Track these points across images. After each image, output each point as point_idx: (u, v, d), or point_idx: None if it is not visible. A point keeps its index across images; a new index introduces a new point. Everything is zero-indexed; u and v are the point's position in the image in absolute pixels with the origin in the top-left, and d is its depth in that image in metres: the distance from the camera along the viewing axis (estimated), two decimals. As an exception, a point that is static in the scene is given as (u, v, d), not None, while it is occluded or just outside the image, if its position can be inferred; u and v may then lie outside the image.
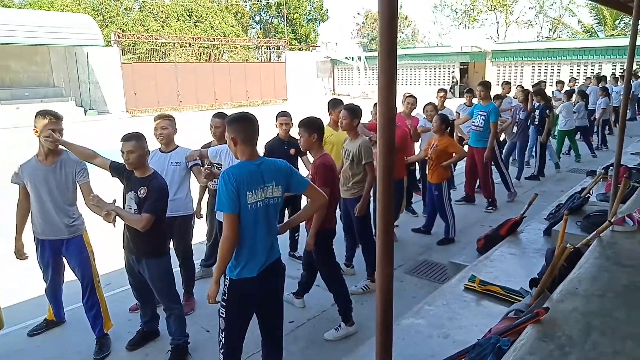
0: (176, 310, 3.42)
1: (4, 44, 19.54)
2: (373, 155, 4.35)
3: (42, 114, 3.38)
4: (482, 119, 6.63)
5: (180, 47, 28.18)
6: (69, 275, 3.71)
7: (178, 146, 4.08)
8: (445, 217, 5.53)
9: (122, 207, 3.27)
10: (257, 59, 32.86)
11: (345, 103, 4.80)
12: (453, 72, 30.68)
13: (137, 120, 20.39)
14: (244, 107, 25.38)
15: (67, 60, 22.49)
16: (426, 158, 5.67)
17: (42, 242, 3.51)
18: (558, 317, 2.00)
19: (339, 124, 4.41)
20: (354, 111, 4.26)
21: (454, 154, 5.51)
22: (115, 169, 3.39)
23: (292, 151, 4.75)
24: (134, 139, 3.20)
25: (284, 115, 4.83)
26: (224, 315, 2.66)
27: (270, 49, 31.67)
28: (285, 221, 3.17)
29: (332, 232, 3.76)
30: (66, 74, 22.54)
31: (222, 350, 2.69)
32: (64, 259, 3.60)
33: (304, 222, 3.67)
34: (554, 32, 40.13)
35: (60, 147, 3.46)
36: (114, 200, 3.22)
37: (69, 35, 20.43)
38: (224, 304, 2.65)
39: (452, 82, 29.95)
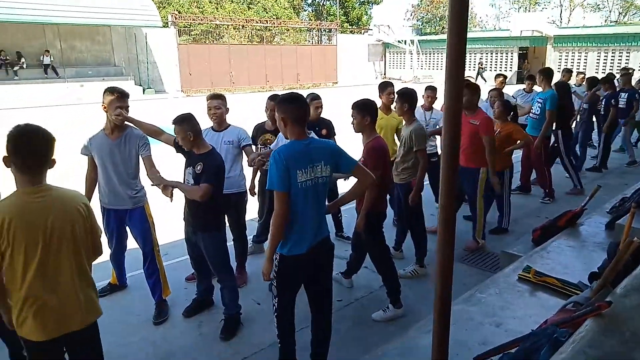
0: (229, 282, 3.56)
1: (70, 25, 20.55)
2: (426, 142, 4.30)
3: (109, 90, 3.54)
4: (539, 107, 6.37)
5: (234, 29, 28.60)
6: (131, 243, 3.93)
7: (230, 125, 4.16)
8: (502, 206, 5.38)
9: (182, 182, 3.42)
10: (309, 41, 32.82)
11: (396, 87, 4.74)
12: (480, 58, 29.38)
13: (192, 100, 20.98)
14: (295, 89, 25.50)
15: (127, 41, 23.39)
16: None
17: (108, 211, 3.72)
18: (621, 312, 1.93)
19: (391, 109, 4.37)
20: (405, 95, 4.19)
21: (518, 141, 5.30)
22: (179, 145, 3.53)
23: (323, 132, 4.81)
24: (183, 123, 3.28)
25: (316, 97, 4.86)
26: (275, 292, 2.81)
27: (321, 31, 31.56)
28: (334, 200, 3.21)
29: (382, 215, 3.77)
30: (126, 54, 23.47)
31: (276, 321, 2.86)
32: (127, 228, 3.81)
33: (354, 204, 3.70)
34: (624, 16, 37.54)
35: (126, 122, 3.62)
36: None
37: (129, 16, 21.20)
38: (275, 278, 2.77)
39: (479, 68, 28.54)
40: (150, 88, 23.24)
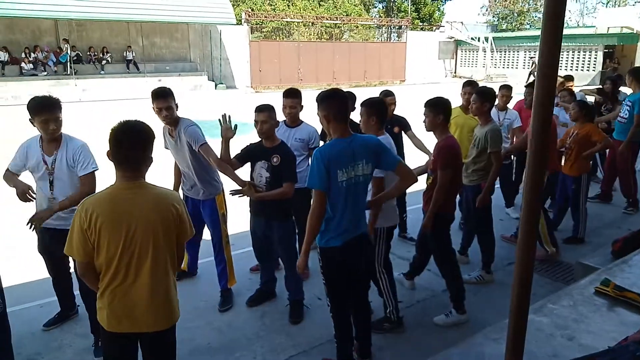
0: (296, 269, 3.62)
1: (152, 22, 21.78)
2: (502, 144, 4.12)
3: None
4: (628, 110, 5.89)
5: (304, 26, 28.94)
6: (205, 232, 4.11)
7: (303, 122, 4.22)
8: (578, 214, 5.06)
9: (252, 180, 3.54)
10: (377, 38, 32.56)
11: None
12: (533, 56, 27.39)
13: (260, 96, 21.52)
14: (362, 87, 25.45)
15: (202, 38, 24.39)
16: (563, 148, 5.15)
17: (187, 199, 3.92)
18: None
19: (469, 108, 4.23)
20: (485, 94, 4.04)
21: (597, 143, 4.97)
22: (242, 157, 3.62)
23: (395, 129, 4.74)
24: (267, 110, 3.43)
25: (389, 94, 4.80)
26: (326, 291, 2.95)
27: (391, 28, 31.19)
28: (376, 196, 3.19)
29: (450, 217, 3.68)
30: (201, 50, 24.49)
31: (333, 321, 2.97)
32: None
33: (421, 204, 3.64)
34: None
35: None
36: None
37: (206, 14, 22.12)
38: (322, 271, 2.90)
39: (532, 67, 26.54)
40: (222, 83, 24.10)
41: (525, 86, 5.96)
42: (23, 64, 19.64)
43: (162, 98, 3.46)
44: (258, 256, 3.92)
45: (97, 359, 3.22)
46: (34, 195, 3.17)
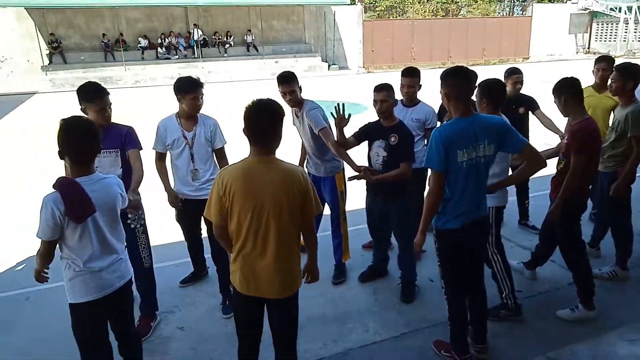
0: (410, 248, 3.62)
1: (271, 6, 22.69)
2: None
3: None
4: None
5: (418, 3, 28.04)
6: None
7: (420, 102, 4.15)
8: None
9: (369, 158, 3.59)
10: (498, 13, 30.39)
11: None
12: None
13: (372, 76, 21.43)
14: (479, 65, 24.09)
15: (317, 19, 24.82)
16: None
17: (308, 175, 4.09)
18: None
19: (608, 87, 3.81)
20: (628, 71, 3.59)
21: None
22: (359, 135, 3.65)
23: (520, 110, 4.45)
24: (387, 89, 3.43)
25: (515, 72, 4.49)
26: (441, 273, 2.91)
27: (514, 1, 28.88)
28: (498, 180, 3.02)
29: (582, 206, 3.39)
30: (315, 32, 24.98)
31: (447, 304, 2.93)
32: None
33: (547, 190, 3.40)
34: None
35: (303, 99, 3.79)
36: None
37: (322, -4, 22.44)
38: (437, 252, 2.86)
39: None
40: (334, 64, 24.40)
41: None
42: (158, 49, 21.75)
43: (287, 83, 3.63)
44: (373, 234, 3.98)
45: (225, 316, 3.56)
46: (179, 204, 3.54)
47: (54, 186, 2.22)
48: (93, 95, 3.05)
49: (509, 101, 4.46)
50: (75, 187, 2.21)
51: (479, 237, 2.85)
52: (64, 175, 2.69)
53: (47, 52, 20.37)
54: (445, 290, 2.91)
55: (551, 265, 3.93)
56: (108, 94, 3.14)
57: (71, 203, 2.18)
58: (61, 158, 2.30)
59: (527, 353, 2.98)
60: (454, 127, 2.57)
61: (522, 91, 4.62)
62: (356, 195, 4.66)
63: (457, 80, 2.58)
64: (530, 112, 4.60)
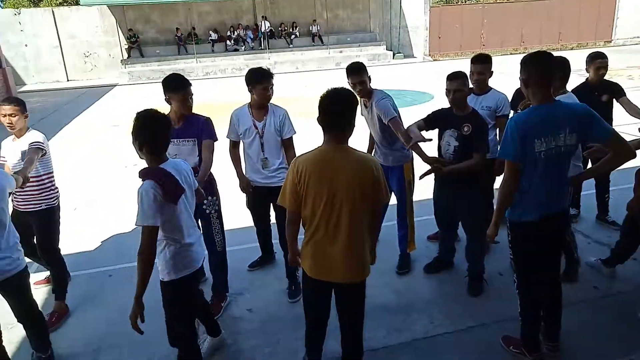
0: (478, 239, 3.56)
1: (336, -5, 22.63)
2: None
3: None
4: None
5: (490, -14, 26.74)
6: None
7: (492, 89, 4.01)
8: None
9: (439, 148, 3.53)
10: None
11: None
12: None
13: (438, 64, 20.85)
14: (555, 50, 22.62)
15: (382, 7, 24.44)
16: None
17: None
18: None
19: None
20: None
21: None
22: (430, 122, 3.59)
23: (604, 97, 4.17)
24: (460, 78, 3.35)
25: (599, 56, 4.18)
26: (514, 267, 2.83)
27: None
28: (582, 170, 2.86)
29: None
30: (380, 20, 24.62)
31: (519, 299, 2.85)
32: None
33: (630, 184, 3.19)
34: None
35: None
36: None
37: (388, -18, 22.03)
38: (510, 245, 2.78)
39: None
40: (399, 53, 23.94)
41: None
42: (227, 42, 22.44)
43: (356, 74, 3.63)
44: (440, 225, 3.93)
45: (291, 300, 3.68)
46: (250, 190, 3.68)
47: (144, 175, 2.37)
48: (177, 85, 3.26)
49: (591, 87, 4.23)
50: (164, 173, 2.37)
51: (557, 231, 2.73)
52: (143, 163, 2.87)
53: (126, 46, 21.66)
54: (517, 285, 2.83)
55: (632, 263, 3.70)
56: (190, 84, 3.33)
57: (166, 187, 2.34)
58: (139, 149, 2.43)
59: (603, 355, 2.85)
60: (531, 116, 2.47)
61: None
62: (422, 186, 4.61)
63: (538, 65, 2.48)
64: (614, 100, 4.31)
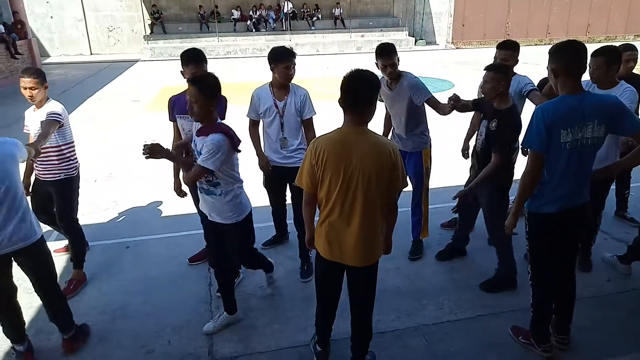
0: (498, 230, 3.48)
1: (360, -23, 22.24)
2: None
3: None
4: None
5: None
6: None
7: (515, 74, 3.89)
8: None
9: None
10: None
11: None
12: None
13: (461, 52, 20.51)
14: (582, 43, 22.03)
15: (406, -8, 24.03)
16: None
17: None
18: None
19: None
20: None
21: None
22: (477, 105, 3.54)
23: None
24: (495, 71, 3.16)
25: (629, 48, 4.04)
26: (529, 257, 2.79)
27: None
28: (610, 163, 2.80)
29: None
30: (404, 5, 24.21)
31: (532, 289, 2.83)
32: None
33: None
34: None
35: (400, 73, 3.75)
36: None
37: (413, -33, 21.59)
38: (527, 236, 2.74)
39: None
40: (422, 39, 23.57)
41: None
42: (248, 22, 22.33)
43: (387, 55, 3.59)
44: (461, 213, 3.88)
45: (303, 280, 3.72)
46: (269, 169, 3.71)
47: (212, 131, 2.70)
48: (188, 59, 3.35)
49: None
50: (228, 128, 2.79)
51: (576, 224, 2.69)
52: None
53: (149, 22, 21.70)
54: (531, 276, 2.81)
55: (650, 260, 3.65)
56: (205, 61, 3.37)
57: (233, 138, 2.76)
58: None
59: (614, 351, 2.83)
60: (558, 105, 2.42)
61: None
62: (438, 174, 4.59)
63: (569, 54, 2.42)
64: None
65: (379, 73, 2.86)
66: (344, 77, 2.28)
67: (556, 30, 23.87)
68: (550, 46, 2.57)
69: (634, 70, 4.15)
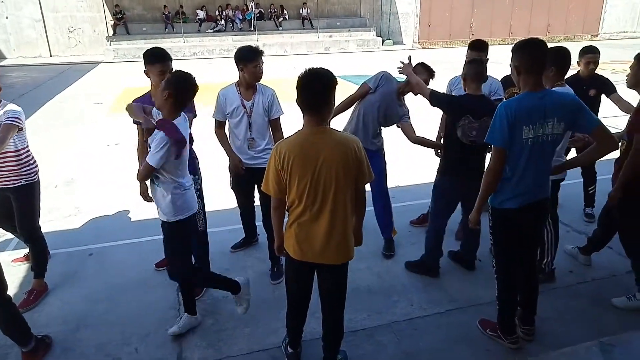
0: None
1: (327, -22, 22.29)
2: None
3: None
4: None
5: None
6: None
7: (487, 77, 3.98)
8: None
9: None
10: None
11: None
12: None
13: (428, 52, 20.85)
14: (543, 42, 22.75)
15: (373, -8, 24.26)
16: None
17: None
18: None
19: None
20: None
21: None
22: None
23: (591, 92, 4.17)
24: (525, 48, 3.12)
25: (590, 51, 4.19)
26: (493, 251, 2.88)
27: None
28: (564, 161, 2.89)
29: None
30: (371, 5, 24.43)
31: (497, 282, 2.91)
32: None
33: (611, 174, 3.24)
34: None
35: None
36: None
37: (379, -33, 21.80)
38: (491, 231, 2.81)
39: None
40: (389, 39, 23.84)
41: None
42: (215, 23, 22.05)
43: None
44: (444, 213, 3.74)
45: (274, 282, 3.69)
46: (242, 169, 3.61)
47: (162, 128, 2.68)
48: (157, 58, 3.26)
49: (580, 82, 4.23)
50: (175, 129, 2.71)
51: (537, 219, 2.78)
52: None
53: (112, 23, 21.15)
54: (495, 269, 2.88)
55: (608, 252, 3.79)
56: (171, 59, 3.31)
57: (178, 142, 2.71)
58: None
59: (577, 339, 2.92)
60: (521, 103, 2.47)
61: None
62: (407, 171, 4.65)
63: (530, 52, 2.48)
64: (604, 95, 4.30)
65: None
66: (299, 77, 2.25)
67: (518, 30, 24.54)
68: (518, 42, 2.61)
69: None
